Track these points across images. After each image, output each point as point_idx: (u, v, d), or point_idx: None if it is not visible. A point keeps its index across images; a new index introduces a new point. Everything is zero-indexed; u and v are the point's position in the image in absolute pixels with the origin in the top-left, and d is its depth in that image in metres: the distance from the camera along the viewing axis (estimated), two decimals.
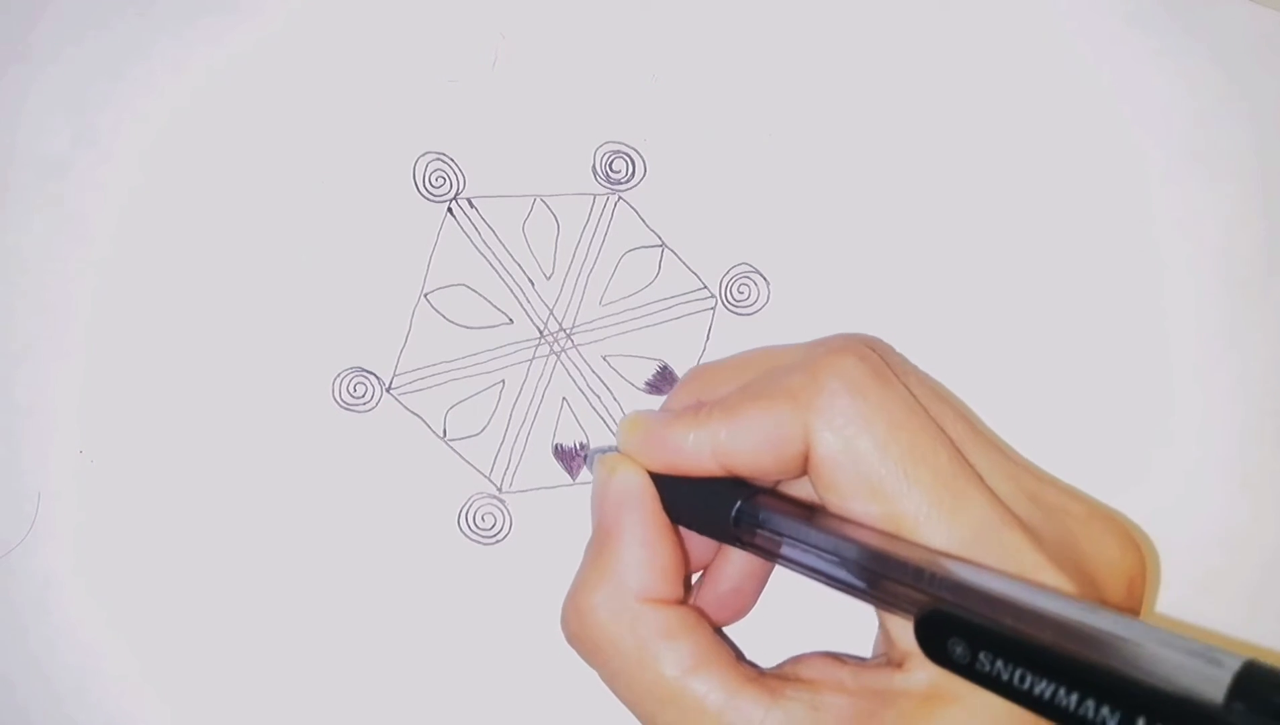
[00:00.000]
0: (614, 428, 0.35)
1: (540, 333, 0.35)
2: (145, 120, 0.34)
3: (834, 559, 0.26)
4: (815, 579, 0.27)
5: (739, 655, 0.28)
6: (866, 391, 0.27)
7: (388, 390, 0.34)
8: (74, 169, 0.34)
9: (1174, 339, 0.35)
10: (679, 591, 0.28)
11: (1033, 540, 0.26)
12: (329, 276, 0.34)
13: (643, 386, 0.35)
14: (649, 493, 0.28)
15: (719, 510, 0.28)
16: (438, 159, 0.35)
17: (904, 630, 0.25)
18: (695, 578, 0.32)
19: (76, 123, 0.34)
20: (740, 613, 0.32)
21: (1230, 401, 0.35)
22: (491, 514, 0.34)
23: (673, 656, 0.27)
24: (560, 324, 0.35)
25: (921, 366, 0.33)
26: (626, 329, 0.35)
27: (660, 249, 0.35)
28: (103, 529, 0.34)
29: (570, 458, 0.35)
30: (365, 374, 0.34)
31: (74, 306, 0.34)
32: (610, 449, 0.31)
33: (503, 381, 0.35)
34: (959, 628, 0.23)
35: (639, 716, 0.28)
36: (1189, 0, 0.35)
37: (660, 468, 0.29)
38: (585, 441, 0.35)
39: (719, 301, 0.35)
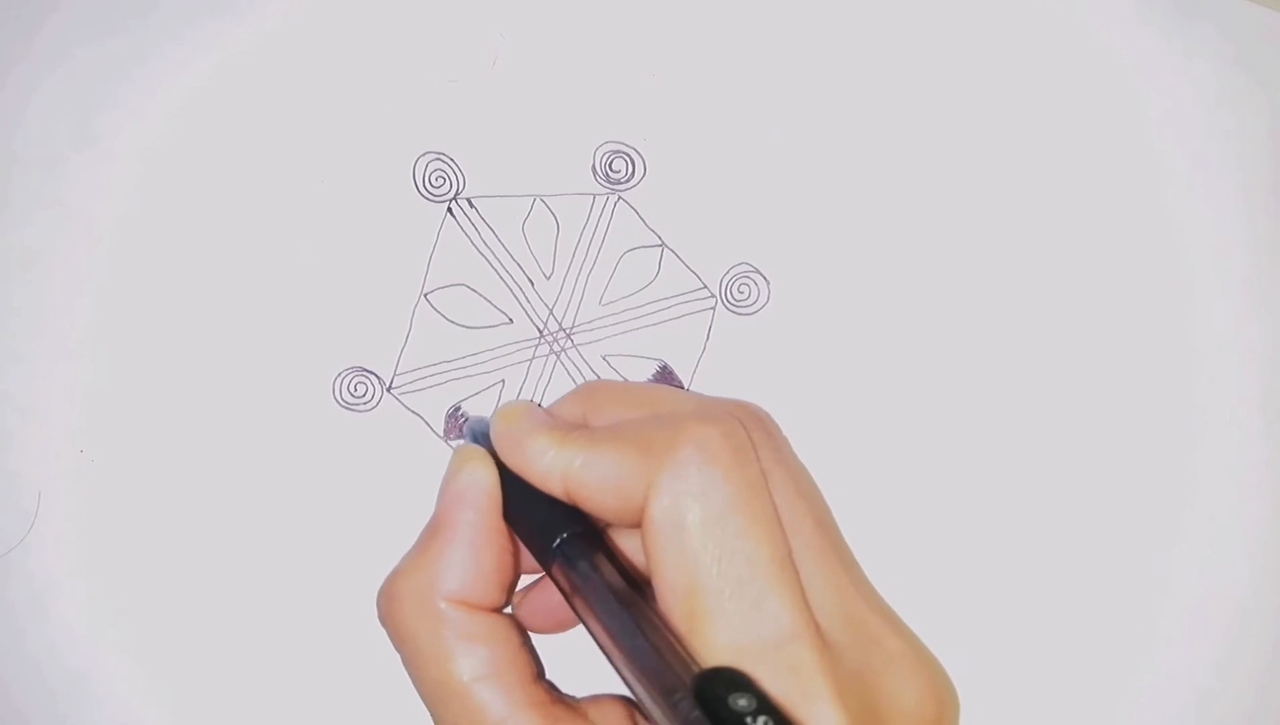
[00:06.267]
0: None
1: (540, 332, 0.35)
2: (146, 120, 0.34)
3: (610, 641, 0.26)
4: (597, 644, 0.26)
5: (540, 674, 0.28)
6: (716, 467, 0.26)
7: (388, 390, 0.34)
8: (74, 169, 0.34)
9: (1172, 338, 0.35)
10: (496, 598, 0.28)
11: (824, 663, 0.25)
12: (329, 276, 0.34)
13: None
14: (491, 496, 0.28)
15: (546, 533, 0.28)
16: (438, 159, 0.35)
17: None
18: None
19: (77, 123, 0.34)
20: (562, 626, 0.32)
21: (1243, 395, 0.35)
22: None
23: (467, 660, 0.27)
24: (560, 324, 0.35)
25: (921, 368, 0.33)
26: (626, 329, 0.35)
27: (660, 249, 0.35)
28: (103, 529, 0.34)
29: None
30: (366, 374, 0.34)
31: (74, 306, 0.34)
32: (485, 422, 0.30)
33: (503, 381, 0.35)
34: None
35: (426, 706, 0.28)
36: (1193, 1, 0.35)
37: (514, 470, 0.29)
38: (464, 414, 0.34)
39: (719, 301, 0.35)
